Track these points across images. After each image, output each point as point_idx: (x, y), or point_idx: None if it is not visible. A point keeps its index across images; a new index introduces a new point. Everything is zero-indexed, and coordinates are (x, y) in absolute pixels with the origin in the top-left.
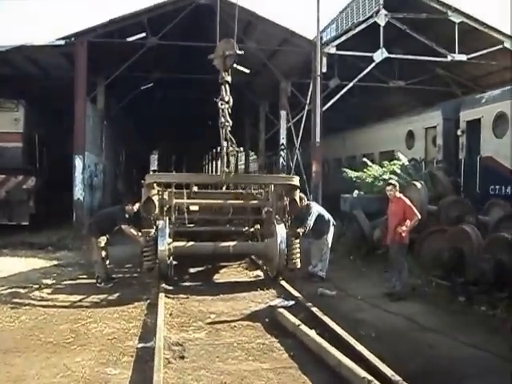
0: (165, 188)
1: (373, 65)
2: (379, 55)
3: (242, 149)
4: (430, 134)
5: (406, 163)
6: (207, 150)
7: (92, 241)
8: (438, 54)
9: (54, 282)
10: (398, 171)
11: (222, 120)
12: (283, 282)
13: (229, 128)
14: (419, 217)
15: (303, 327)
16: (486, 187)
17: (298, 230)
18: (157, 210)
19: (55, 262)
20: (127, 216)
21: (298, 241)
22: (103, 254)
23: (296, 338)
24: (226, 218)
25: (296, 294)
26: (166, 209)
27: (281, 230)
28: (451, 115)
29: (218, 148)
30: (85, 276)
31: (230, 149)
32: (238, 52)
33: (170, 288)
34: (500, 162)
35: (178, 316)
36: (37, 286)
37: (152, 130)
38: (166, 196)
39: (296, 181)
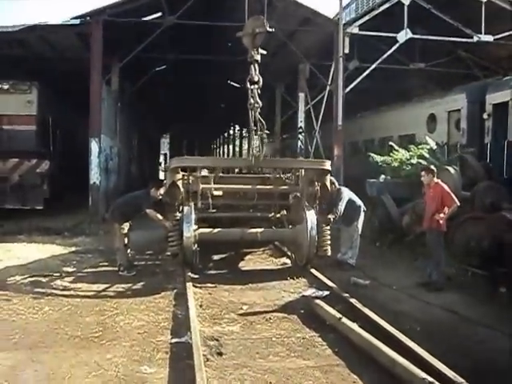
0: (190, 173)
1: (396, 45)
2: (403, 36)
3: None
4: (453, 118)
5: (435, 147)
6: (218, 133)
7: (115, 227)
8: (463, 35)
9: (75, 269)
10: (427, 155)
11: (252, 101)
12: (314, 271)
13: (258, 110)
14: (458, 204)
15: (345, 320)
16: None
17: (329, 216)
18: (181, 196)
19: (74, 249)
20: (152, 201)
21: (328, 227)
22: (126, 240)
23: (338, 331)
24: (250, 203)
25: (329, 283)
26: (191, 194)
27: (311, 216)
28: (476, 98)
29: (230, 131)
30: (106, 263)
31: (260, 132)
32: (269, 29)
33: (196, 276)
34: None
35: (209, 307)
36: (58, 275)
37: (164, 113)
38: (191, 181)
39: (328, 165)
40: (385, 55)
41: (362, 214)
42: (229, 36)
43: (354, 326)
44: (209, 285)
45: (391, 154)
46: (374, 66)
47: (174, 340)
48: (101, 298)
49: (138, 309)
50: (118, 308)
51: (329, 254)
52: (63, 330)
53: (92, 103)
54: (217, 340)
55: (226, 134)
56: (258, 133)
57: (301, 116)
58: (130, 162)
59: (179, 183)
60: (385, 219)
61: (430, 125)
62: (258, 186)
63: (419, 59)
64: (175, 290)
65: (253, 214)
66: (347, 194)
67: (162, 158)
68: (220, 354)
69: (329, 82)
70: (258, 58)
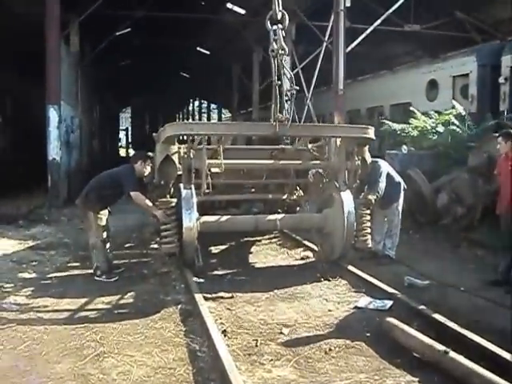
0: (191, 144)
1: (400, 2)
2: None
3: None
4: (459, 84)
5: (463, 113)
6: (182, 106)
7: (89, 216)
8: None
9: (35, 275)
10: (456, 122)
11: (274, 46)
12: (352, 268)
13: (284, 57)
14: None
15: (456, 356)
16: None
17: (370, 197)
18: (177, 174)
19: (31, 243)
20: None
21: (368, 211)
22: (104, 234)
23: (444, 372)
24: (260, 182)
25: (384, 286)
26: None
27: (347, 199)
28: (488, 61)
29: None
30: (75, 264)
31: (286, 87)
32: None
33: (201, 281)
34: None
35: (236, 333)
36: (10, 286)
37: (125, 83)
38: (192, 155)
39: (372, 133)
40: (390, 10)
41: (402, 193)
42: None
43: (473, 366)
44: (222, 294)
45: (410, 121)
46: (377, 23)
47: None
48: (76, 323)
49: (134, 342)
50: (103, 342)
51: (370, 245)
52: None
53: (49, 63)
54: None
55: (190, 108)
56: (285, 89)
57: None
58: (92, 136)
59: (175, 158)
60: (414, 198)
61: (429, 92)
62: (283, 162)
63: (414, 21)
64: (180, 306)
65: (262, 195)
66: (385, 167)
67: (122, 134)
68: None
69: (326, 39)
70: None
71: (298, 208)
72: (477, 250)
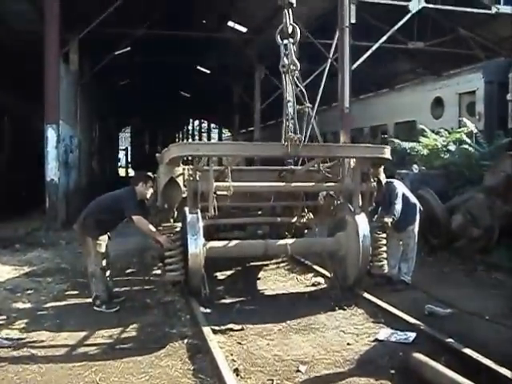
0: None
1: (408, 16)
2: (416, 4)
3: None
4: (466, 101)
5: (475, 130)
6: (182, 125)
7: (88, 243)
8: (478, 5)
9: (30, 306)
10: (468, 140)
11: (285, 62)
12: (368, 295)
13: (297, 73)
14: None
15: None
16: None
17: (386, 220)
18: (181, 197)
19: (27, 269)
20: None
21: (384, 235)
22: (104, 262)
23: None
24: (267, 205)
25: (404, 316)
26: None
27: (362, 222)
28: (495, 77)
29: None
30: (74, 292)
31: (300, 106)
32: None
33: (207, 311)
34: None
35: (249, 372)
36: (3, 318)
37: (125, 103)
38: (198, 177)
39: (388, 153)
40: (396, 26)
41: (418, 215)
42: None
43: None
44: (231, 326)
45: (420, 139)
46: (383, 39)
47: None
48: (73, 361)
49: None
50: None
51: (386, 270)
52: None
53: (48, 82)
54: None
55: (189, 127)
56: (297, 107)
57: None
58: (91, 156)
59: (179, 180)
60: (426, 219)
61: (435, 109)
62: (295, 184)
63: (417, 38)
64: (186, 340)
65: (270, 218)
66: (400, 188)
67: (121, 154)
68: None
69: (330, 55)
70: (293, 0)
71: (305, 231)
72: (494, 273)
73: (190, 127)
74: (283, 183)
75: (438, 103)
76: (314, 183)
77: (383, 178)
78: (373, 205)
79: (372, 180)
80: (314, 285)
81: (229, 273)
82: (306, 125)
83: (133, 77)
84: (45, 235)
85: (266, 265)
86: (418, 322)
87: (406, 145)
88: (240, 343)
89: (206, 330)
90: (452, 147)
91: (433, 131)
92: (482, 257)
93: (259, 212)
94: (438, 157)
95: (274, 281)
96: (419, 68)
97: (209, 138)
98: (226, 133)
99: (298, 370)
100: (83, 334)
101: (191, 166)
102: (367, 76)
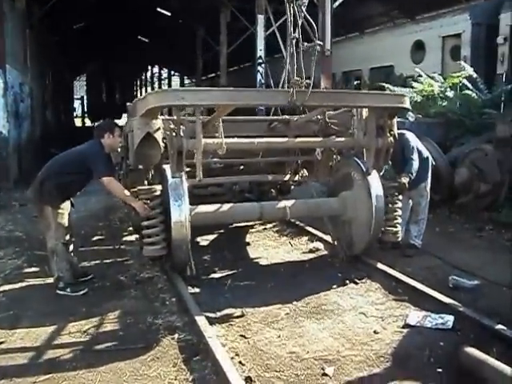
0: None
1: None
2: None
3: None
4: (449, 44)
5: (474, 75)
6: (140, 73)
7: (46, 213)
8: None
9: None
10: (469, 85)
11: None
12: (380, 264)
13: (305, 1)
14: None
15: None
16: None
17: (402, 180)
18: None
19: None
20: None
21: (400, 197)
22: (67, 236)
23: None
24: (258, 161)
25: (426, 289)
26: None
27: (375, 181)
28: (484, 19)
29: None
30: (32, 269)
31: (308, 44)
32: None
33: (196, 291)
34: None
35: (264, 380)
36: None
37: (79, 49)
38: (182, 131)
39: (408, 102)
40: None
41: (430, 171)
42: None
43: None
44: (229, 311)
45: (412, 85)
46: None
47: None
48: (34, 373)
49: None
50: None
51: (399, 238)
52: None
53: None
54: None
55: (148, 74)
56: (304, 45)
57: (260, 43)
58: (44, 105)
59: (158, 136)
60: None
61: (414, 54)
62: (300, 139)
63: None
64: (176, 335)
65: (260, 176)
66: (414, 141)
67: (77, 104)
68: None
69: None
70: None
71: (292, 187)
72: (504, 232)
73: (148, 74)
74: (286, 139)
75: (419, 47)
76: (320, 138)
77: (396, 131)
78: (389, 163)
79: (389, 134)
80: (311, 251)
81: (211, 237)
82: (313, 67)
83: (87, 20)
84: None
85: (252, 226)
86: (451, 301)
87: (398, 90)
88: (244, 336)
89: (200, 320)
90: (450, 93)
91: (412, 77)
92: (489, 214)
93: (241, 167)
94: (434, 104)
95: (265, 246)
96: (393, 11)
97: (169, 86)
98: (186, 80)
99: (325, 374)
100: (45, 330)
101: (167, 117)
102: (335, 19)
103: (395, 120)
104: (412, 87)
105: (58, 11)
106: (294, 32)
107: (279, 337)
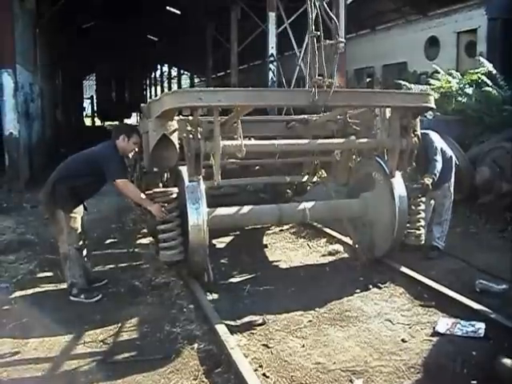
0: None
1: None
2: None
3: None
4: (464, 40)
5: (494, 71)
6: (150, 72)
7: (59, 217)
8: None
9: None
10: (488, 81)
11: None
12: (403, 268)
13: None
14: None
15: None
16: None
17: (426, 181)
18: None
19: None
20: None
21: (423, 199)
22: (80, 241)
23: None
24: (275, 162)
25: (453, 294)
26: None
27: (398, 184)
28: (501, 14)
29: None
30: (43, 274)
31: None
32: None
33: (214, 297)
34: None
35: None
36: None
37: (88, 48)
38: (200, 133)
39: (433, 101)
40: None
41: (454, 171)
42: None
43: None
44: (248, 319)
45: (430, 82)
46: None
47: None
48: (51, 380)
49: None
50: None
51: (423, 241)
52: None
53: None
54: None
55: (158, 73)
56: (325, 42)
57: (272, 41)
58: (55, 105)
59: (174, 138)
60: None
61: (428, 50)
62: (323, 141)
63: None
64: (196, 345)
65: (278, 177)
66: (438, 141)
67: (87, 103)
68: None
69: None
70: None
71: (308, 187)
72: None
73: (157, 74)
74: (307, 140)
75: (433, 43)
76: (343, 140)
77: (419, 131)
78: (413, 165)
79: (413, 135)
80: (331, 254)
81: (227, 239)
82: (336, 65)
83: (97, 20)
84: (5, 198)
85: (268, 227)
86: (481, 307)
87: (414, 88)
88: (267, 346)
89: (221, 329)
90: (469, 90)
91: (426, 73)
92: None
93: (256, 168)
94: (452, 101)
95: (283, 249)
96: (405, 7)
97: (179, 85)
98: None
99: None
100: (59, 339)
101: (182, 117)
102: (347, 17)
103: (418, 120)
104: (429, 84)
105: (68, 11)
106: (316, 30)
107: (303, 346)
